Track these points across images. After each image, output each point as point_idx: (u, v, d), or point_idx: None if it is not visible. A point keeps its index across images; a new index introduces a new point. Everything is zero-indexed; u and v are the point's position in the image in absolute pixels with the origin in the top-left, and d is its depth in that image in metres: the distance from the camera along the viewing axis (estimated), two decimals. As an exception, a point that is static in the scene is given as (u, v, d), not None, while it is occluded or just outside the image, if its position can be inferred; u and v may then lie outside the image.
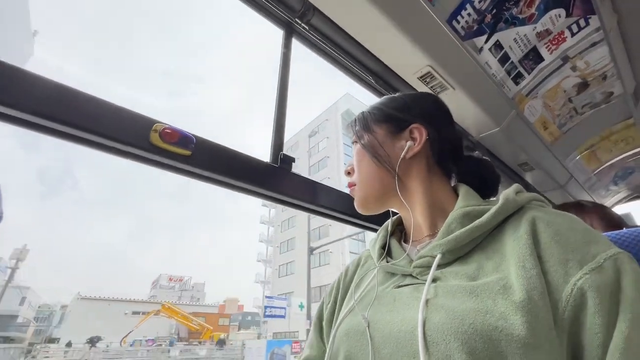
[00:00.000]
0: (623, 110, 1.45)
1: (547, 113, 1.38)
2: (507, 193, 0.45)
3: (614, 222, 0.82)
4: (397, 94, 0.59)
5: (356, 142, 0.57)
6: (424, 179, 0.52)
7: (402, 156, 0.51)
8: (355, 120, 0.59)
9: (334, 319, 0.55)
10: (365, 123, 0.56)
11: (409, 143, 0.52)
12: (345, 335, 0.46)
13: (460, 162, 0.57)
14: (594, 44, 1.14)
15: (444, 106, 0.57)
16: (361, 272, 0.58)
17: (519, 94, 1.26)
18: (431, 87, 1.14)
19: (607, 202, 2.12)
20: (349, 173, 0.58)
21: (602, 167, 1.81)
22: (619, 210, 2.29)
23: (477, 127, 1.36)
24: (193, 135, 0.60)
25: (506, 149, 1.51)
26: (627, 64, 1.24)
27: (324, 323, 0.58)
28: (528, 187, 1.80)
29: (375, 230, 0.84)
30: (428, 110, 0.56)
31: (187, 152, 0.59)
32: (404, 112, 0.55)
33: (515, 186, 0.47)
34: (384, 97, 0.60)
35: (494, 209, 0.43)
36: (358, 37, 1.00)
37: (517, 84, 1.22)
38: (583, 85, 1.29)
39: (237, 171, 0.67)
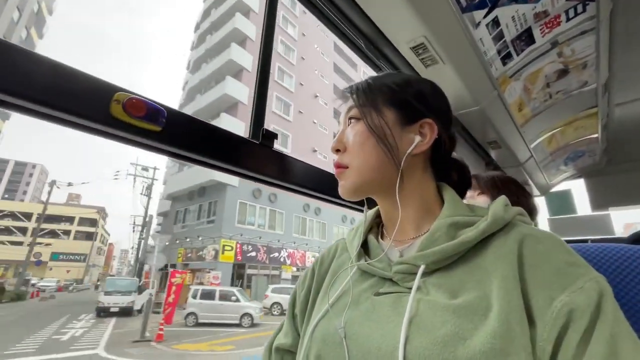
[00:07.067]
0: (590, 99, 1.51)
1: (525, 95, 1.40)
2: (495, 209, 0.44)
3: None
4: (406, 75, 0.53)
5: (358, 118, 0.50)
6: (419, 178, 0.50)
7: (409, 151, 0.47)
8: (358, 89, 0.51)
9: (308, 310, 0.54)
10: (374, 100, 0.49)
11: (417, 138, 0.47)
12: (322, 342, 0.45)
13: (448, 164, 0.55)
14: (583, 32, 1.13)
15: (450, 105, 0.53)
16: (337, 264, 0.57)
17: (504, 75, 1.24)
18: (422, 59, 1.08)
19: (555, 180, 2.32)
20: (338, 150, 0.51)
21: (558, 149, 1.93)
22: (562, 186, 2.53)
23: (457, 104, 1.35)
24: (164, 107, 0.51)
25: (480, 126, 1.54)
26: (607, 55, 1.26)
27: (297, 311, 0.57)
28: (491, 162, 1.89)
29: (360, 210, 0.83)
30: (441, 107, 0.51)
31: (156, 128, 0.50)
32: (419, 102, 0.49)
33: (503, 200, 0.47)
34: (393, 73, 0.53)
35: (482, 225, 0.42)
36: (354, -5, 0.88)
37: (504, 64, 1.19)
38: (563, 72, 1.30)
39: (213, 148, 0.59)
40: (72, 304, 19.57)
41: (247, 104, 16.89)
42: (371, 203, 0.56)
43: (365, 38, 1.02)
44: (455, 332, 0.35)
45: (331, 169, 0.81)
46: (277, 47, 19.88)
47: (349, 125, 0.51)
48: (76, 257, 40.89)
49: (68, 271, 38.66)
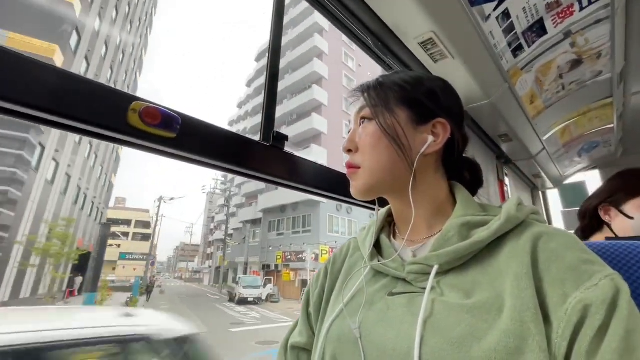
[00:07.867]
0: (605, 89, 1.47)
1: (537, 87, 1.37)
2: (509, 208, 0.44)
3: None
4: (417, 73, 0.53)
5: (370, 118, 0.49)
6: (431, 178, 0.50)
7: (422, 152, 0.47)
8: (370, 88, 0.51)
9: (322, 309, 0.55)
10: (386, 99, 0.49)
11: (430, 138, 0.47)
12: (337, 341, 0.46)
13: (460, 163, 0.55)
14: (598, 21, 1.10)
15: (462, 103, 0.53)
16: (349, 264, 0.57)
17: (515, 67, 1.22)
18: (431, 54, 1.07)
19: (569, 171, 2.27)
20: (349, 151, 0.51)
21: (572, 141, 1.89)
22: (576, 178, 2.48)
23: (467, 98, 1.33)
24: (178, 114, 0.52)
25: (490, 120, 1.52)
26: (623, 43, 1.23)
27: (311, 309, 0.58)
28: (502, 156, 1.86)
29: (371, 209, 0.84)
30: (453, 106, 0.51)
31: (171, 135, 0.51)
32: (431, 100, 0.49)
33: (517, 199, 0.47)
34: (404, 71, 0.53)
35: (495, 225, 0.42)
36: (361, -9, 0.88)
37: (515, 56, 1.17)
38: (577, 63, 1.27)
39: (227, 152, 0.60)
40: (189, 296, 25.09)
41: (327, 134, 22.29)
42: (382, 201, 0.57)
43: (373, 35, 1.02)
44: (470, 332, 0.35)
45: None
46: (342, 80, 25.25)
47: (360, 124, 0.51)
48: (139, 256, 42.98)
49: (135, 269, 41.05)
